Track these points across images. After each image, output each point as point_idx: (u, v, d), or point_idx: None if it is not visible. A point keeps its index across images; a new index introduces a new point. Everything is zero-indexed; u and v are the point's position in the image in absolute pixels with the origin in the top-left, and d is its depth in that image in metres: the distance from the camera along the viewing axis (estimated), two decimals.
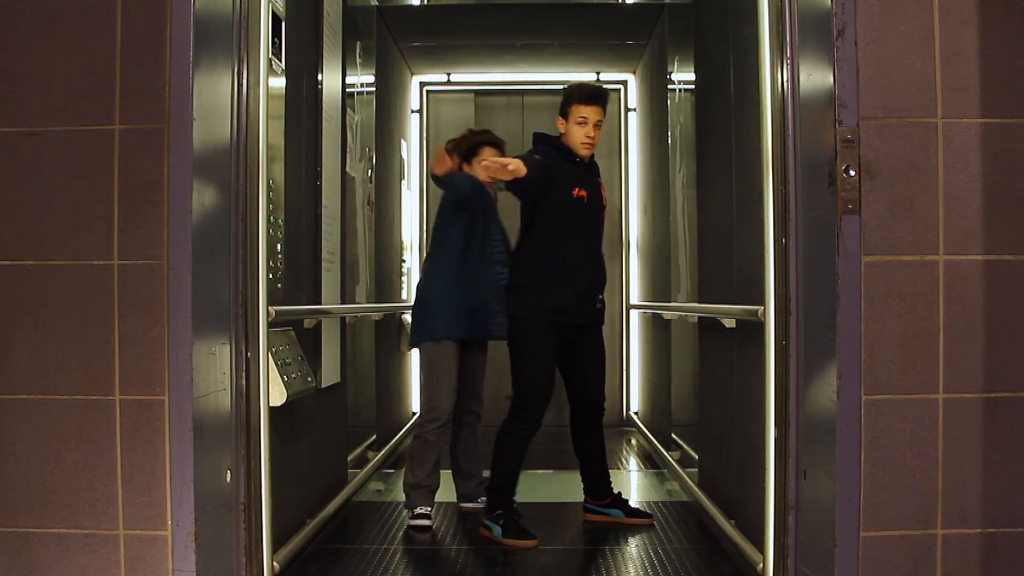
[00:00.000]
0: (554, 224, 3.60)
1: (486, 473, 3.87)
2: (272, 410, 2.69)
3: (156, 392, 2.28)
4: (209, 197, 2.38)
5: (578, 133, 3.63)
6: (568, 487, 4.53)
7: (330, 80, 3.90)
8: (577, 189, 3.61)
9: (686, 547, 3.43)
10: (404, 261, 6.33)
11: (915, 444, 2.20)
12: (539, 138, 3.79)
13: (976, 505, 2.20)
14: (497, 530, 3.54)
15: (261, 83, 2.55)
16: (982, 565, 2.20)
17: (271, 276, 2.84)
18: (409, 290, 6.27)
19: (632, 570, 3.18)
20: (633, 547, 3.48)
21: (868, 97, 2.21)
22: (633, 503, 4.21)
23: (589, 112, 3.61)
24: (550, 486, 4.62)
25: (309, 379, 3.21)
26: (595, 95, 3.65)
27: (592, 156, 3.75)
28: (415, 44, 6.18)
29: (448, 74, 6.87)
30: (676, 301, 4.96)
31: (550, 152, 3.65)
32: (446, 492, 4.28)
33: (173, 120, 2.27)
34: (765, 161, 2.54)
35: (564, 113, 3.68)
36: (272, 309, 2.63)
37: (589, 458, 3.86)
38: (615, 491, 3.88)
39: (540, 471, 4.91)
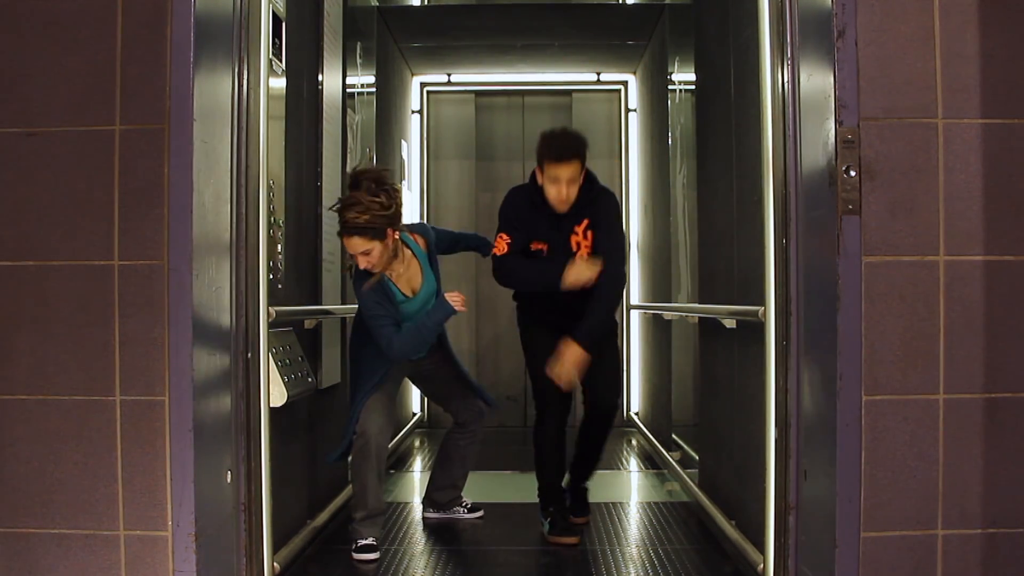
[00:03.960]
0: None
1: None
2: (272, 410, 2.69)
3: (156, 392, 2.28)
4: (209, 197, 2.38)
5: (551, 191, 3.44)
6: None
7: (330, 81, 3.90)
8: (535, 243, 3.52)
9: (686, 547, 3.43)
10: None
11: (915, 444, 2.20)
12: (517, 190, 3.66)
13: (977, 505, 2.20)
14: (547, 527, 3.58)
15: (261, 84, 2.55)
16: (983, 566, 2.20)
17: (271, 276, 2.84)
18: None
19: (632, 570, 3.18)
20: (633, 547, 3.48)
21: (868, 97, 2.21)
22: (633, 503, 4.23)
23: (560, 171, 3.39)
24: None
25: (309, 380, 3.21)
26: (564, 154, 3.40)
27: (578, 202, 3.49)
28: (415, 44, 6.18)
29: (448, 75, 6.86)
30: (676, 301, 4.96)
31: (516, 209, 3.55)
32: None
33: (173, 120, 2.27)
34: (765, 161, 2.54)
35: (539, 165, 3.49)
36: (272, 309, 2.63)
37: (578, 456, 3.84)
38: (585, 490, 3.89)
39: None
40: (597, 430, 3.76)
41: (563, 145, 3.45)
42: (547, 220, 3.53)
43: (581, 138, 3.52)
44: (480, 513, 3.94)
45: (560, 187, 3.43)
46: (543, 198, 3.50)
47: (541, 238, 3.53)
